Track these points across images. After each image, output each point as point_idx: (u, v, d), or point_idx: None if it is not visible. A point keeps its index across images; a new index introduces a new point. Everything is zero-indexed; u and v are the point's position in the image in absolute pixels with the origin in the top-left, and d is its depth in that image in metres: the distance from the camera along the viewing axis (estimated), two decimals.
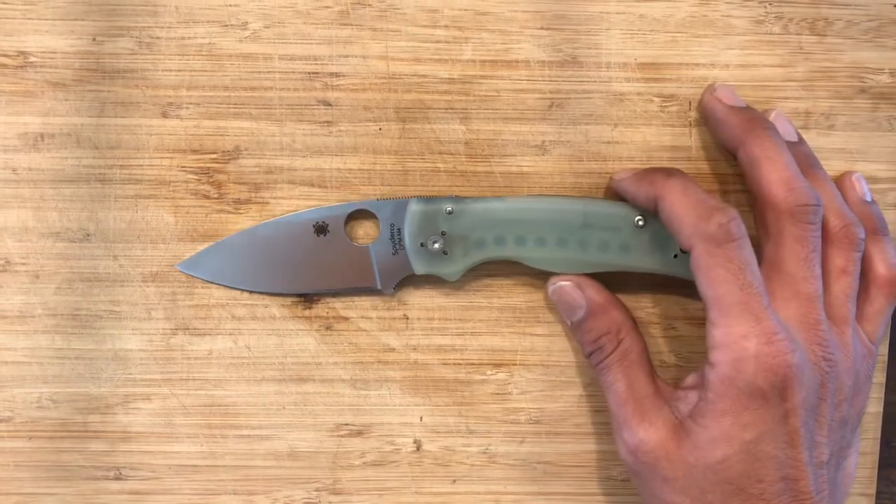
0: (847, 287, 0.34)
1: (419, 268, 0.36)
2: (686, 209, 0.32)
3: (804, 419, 0.31)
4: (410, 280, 0.36)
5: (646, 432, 0.33)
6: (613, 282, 0.36)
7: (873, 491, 0.39)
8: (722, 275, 0.31)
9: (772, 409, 0.31)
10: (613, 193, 0.36)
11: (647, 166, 0.36)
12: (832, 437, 0.33)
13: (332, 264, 0.36)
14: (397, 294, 0.37)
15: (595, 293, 0.35)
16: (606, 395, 0.35)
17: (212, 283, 0.36)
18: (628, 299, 0.37)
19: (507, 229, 0.35)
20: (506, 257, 0.35)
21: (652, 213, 0.34)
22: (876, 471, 0.39)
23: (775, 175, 0.33)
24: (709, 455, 0.32)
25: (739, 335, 0.31)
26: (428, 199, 0.35)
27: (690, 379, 0.34)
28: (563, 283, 0.35)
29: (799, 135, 0.36)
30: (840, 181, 0.36)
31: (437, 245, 0.35)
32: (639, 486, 0.34)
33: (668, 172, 0.34)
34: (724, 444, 0.31)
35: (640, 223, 0.35)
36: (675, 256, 0.35)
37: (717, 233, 0.31)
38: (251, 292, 0.36)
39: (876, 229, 0.35)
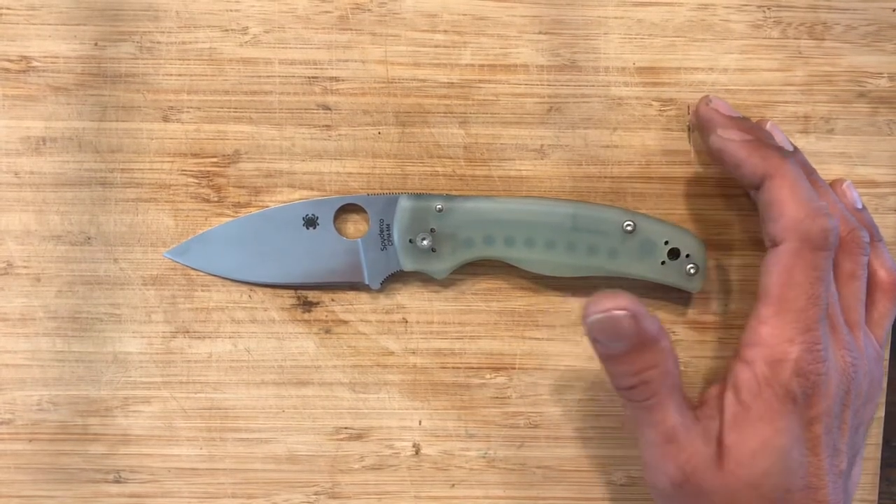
0: (857, 291, 0.34)
1: (407, 264, 0.36)
2: (794, 200, 0.31)
3: (827, 427, 0.31)
4: (400, 277, 0.37)
5: (687, 461, 0.31)
6: (612, 286, 0.36)
7: (875, 497, 0.38)
8: (799, 278, 0.31)
9: (799, 415, 0.31)
10: (715, 151, 0.33)
11: (755, 138, 0.33)
12: (849, 443, 0.33)
13: (321, 257, 0.36)
14: (389, 293, 0.37)
15: (651, 324, 0.30)
16: (643, 429, 0.32)
17: (198, 271, 0.36)
18: None
19: (496, 229, 0.35)
20: (494, 257, 0.35)
21: (749, 188, 0.33)
22: (878, 476, 0.38)
23: (800, 209, 0.31)
24: (750, 470, 0.31)
25: (786, 338, 0.31)
26: (418, 196, 0.35)
27: (712, 391, 0.33)
28: (619, 314, 0.30)
29: (794, 145, 0.36)
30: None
31: (425, 242, 0.35)
32: None
33: (784, 154, 0.32)
34: (764, 455, 0.31)
35: (629, 228, 0.34)
36: (663, 263, 0.35)
37: (817, 237, 0.31)
38: (234, 280, 0.36)
39: (871, 235, 0.35)
